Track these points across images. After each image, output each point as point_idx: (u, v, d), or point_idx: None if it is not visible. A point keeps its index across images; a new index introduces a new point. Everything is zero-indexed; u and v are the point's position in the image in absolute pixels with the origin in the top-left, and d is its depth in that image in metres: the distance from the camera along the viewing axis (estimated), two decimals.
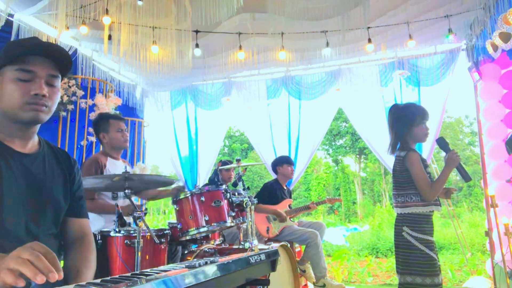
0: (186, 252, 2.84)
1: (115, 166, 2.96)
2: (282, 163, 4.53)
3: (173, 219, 2.95)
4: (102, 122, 3.04)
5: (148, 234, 2.25)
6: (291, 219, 4.46)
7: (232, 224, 2.71)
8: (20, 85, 1.23)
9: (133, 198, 2.28)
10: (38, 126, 1.36)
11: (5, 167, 1.24)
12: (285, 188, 4.56)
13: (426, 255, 2.31)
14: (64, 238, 1.42)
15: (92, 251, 1.42)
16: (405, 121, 2.51)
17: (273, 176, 5.42)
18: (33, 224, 1.27)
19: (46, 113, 1.28)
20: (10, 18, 3.88)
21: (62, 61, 1.31)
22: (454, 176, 21.54)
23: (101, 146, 3.26)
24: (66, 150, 4.40)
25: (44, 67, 1.27)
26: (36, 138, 1.40)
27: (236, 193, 2.87)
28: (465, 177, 2.43)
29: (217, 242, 3.08)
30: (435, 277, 2.29)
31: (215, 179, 4.59)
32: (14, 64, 1.24)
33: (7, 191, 1.22)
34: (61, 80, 1.37)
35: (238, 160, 3.09)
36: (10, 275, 0.83)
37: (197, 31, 4.43)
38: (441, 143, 2.52)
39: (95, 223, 2.78)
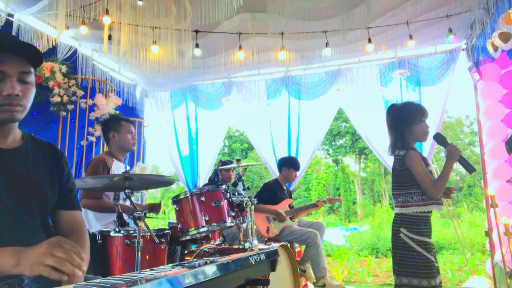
0: (186, 252, 2.84)
1: (119, 169, 2.97)
2: (290, 166, 4.51)
3: (172, 219, 2.95)
4: (114, 122, 3.06)
5: (148, 234, 2.25)
6: (295, 219, 4.46)
7: (232, 224, 2.71)
8: None
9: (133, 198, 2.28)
10: (16, 123, 1.34)
11: None
12: (284, 188, 4.56)
13: (423, 257, 2.29)
14: (57, 230, 1.42)
15: (86, 242, 1.41)
16: (403, 120, 2.46)
17: (273, 175, 5.43)
18: (18, 219, 1.26)
19: (21, 112, 1.26)
20: (10, 18, 3.88)
21: (32, 55, 1.25)
22: (454, 176, 21.55)
23: (106, 147, 3.26)
24: (66, 150, 4.41)
25: (14, 64, 1.21)
26: (17, 133, 1.37)
27: (236, 193, 2.87)
28: (469, 169, 2.37)
29: (217, 242, 3.08)
30: (432, 279, 2.26)
31: (215, 179, 4.59)
32: None
33: None
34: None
35: (238, 160, 3.09)
36: (50, 271, 0.96)
37: (197, 31, 4.43)
38: (438, 138, 2.48)
39: (93, 224, 2.78)
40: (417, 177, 2.34)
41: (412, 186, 2.38)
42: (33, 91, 1.29)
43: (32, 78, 1.28)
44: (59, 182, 1.43)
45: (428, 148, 4.95)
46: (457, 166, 3.12)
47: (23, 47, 1.24)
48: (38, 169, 1.37)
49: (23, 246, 1.14)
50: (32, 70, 1.28)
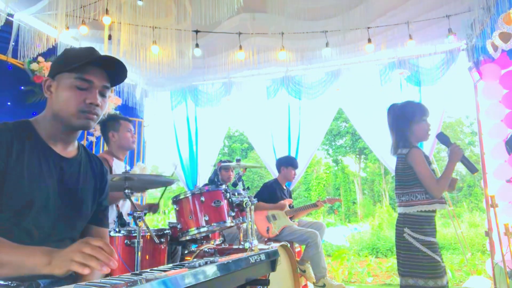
0: (186, 252, 2.84)
1: (120, 168, 2.96)
2: (288, 165, 4.53)
3: (172, 219, 2.94)
4: (113, 121, 3.07)
5: (148, 234, 2.25)
6: (295, 219, 4.46)
7: (232, 224, 2.71)
8: (78, 93, 1.29)
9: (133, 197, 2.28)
10: (81, 131, 1.40)
11: (45, 166, 1.29)
12: (284, 188, 4.56)
13: (428, 257, 2.26)
14: None
15: None
16: (404, 119, 2.44)
17: (273, 176, 5.43)
18: (56, 226, 1.30)
19: (95, 121, 1.34)
20: (10, 18, 3.88)
21: (118, 74, 1.37)
22: (454, 176, 21.49)
23: (105, 147, 3.26)
24: None
25: (101, 78, 1.33)
26: (76, 143, 1.44)
27: (236, 193, 2.87)
28: (471, 169, 2.36)
29: (217, 242, 3.08)
30: (438, 279, 2.24)
31: (215, 179, 4.59)
32: (73, 72, 1.28)
33: (44, 190, 1.26)
34: None
35: (238, 160, 3.09)
36: (78, 266, 0.99)
37: (197, 31, 4.43)
38: (441, 137, 2.46)
39: None
40: (419, 175, 2.32)
41: (415, 185, 2.35)
42: (107, 106, 1.40)
43: (108, 94, 1.39)
44: (99, 197, 1.48)
45: (428, 148, 4.94)
46: (457, 166, 3.09)
47: (113, 65, 1.34)
48: (86, 183, 1.43)
49: None
50: (110, 86, 1.39)
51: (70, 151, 1.40)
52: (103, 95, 1.35)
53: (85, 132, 4.59)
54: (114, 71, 1.35)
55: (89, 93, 1.29)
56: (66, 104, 1.28)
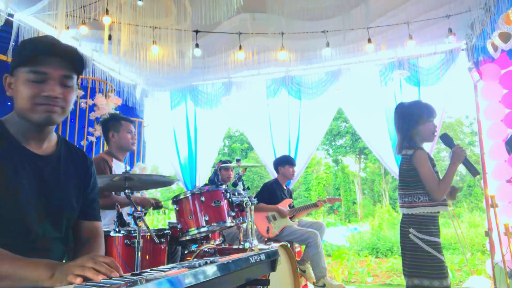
0: (186, 252, 2.84)
1: (119, 168, 2.96)
2: (285, 163, 4.53)
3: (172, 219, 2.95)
4: (114, 121, 3.05)
5: (148, 234, 2.25)
6: (295, 219, 4.46)
7: (232, 224, 2.71)
8: (32, 86, 1.21)
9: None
10: (53, 127, 1.34)
11: (20, 168, 1.24)
12: (285, 188, 4.56)
13: (433, 257, 2.25)
14: (75, 239, 1.42)
15: (101, 252, 1.41)
16: (411, 119, 2.44)
17: (272, 176, 5.43)
18: (42, 226, 1.26)
19: (59, 114, 1.26)
20: (10, 18, 3.88)
21: (76, 60, 1.27)
22: (454, 176, 21.50)
23: (105, 147, 3.26)
24: None
25: (58, 67, 1.23)
26: (53, 139, 1.38)
27: (236, 193, 2.87)
28: (473, 171, 2.35)
29: (217, 242, 3.08)
30: (443, 279, 2.23)
31: (215, 179, 4.59)
32: (26, 65, 1.22)
33: (21, 192, 1.22)
34: (77, 79, 1.35)
35: (238, 160, 3.09)
36: (75, 278, 0.97)
37: (197, 31, 4.43)
38: (445, 139, 2.46)
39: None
40: (422, 177, 2.32)
41: (419, 186, 2.35)
42: (73, 96, 1.30)
43: (73, 83, 1.29)
44: (84, 191, 1.43)
45: (429, 147, 4.94)
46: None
47: (69, 52, 1.26)
48: (68, 178, 1.37)
49: (43, 257, 1.13)
50: (75, 75, 1.29)
51: (46, 148, 1.34)
52: (65, 85, 1.25)
53: (85, 132, 4.59)
54: (74, 57, 1.27)
55: (45, 85, 1.22)
56: (23, 100, 1.22)
